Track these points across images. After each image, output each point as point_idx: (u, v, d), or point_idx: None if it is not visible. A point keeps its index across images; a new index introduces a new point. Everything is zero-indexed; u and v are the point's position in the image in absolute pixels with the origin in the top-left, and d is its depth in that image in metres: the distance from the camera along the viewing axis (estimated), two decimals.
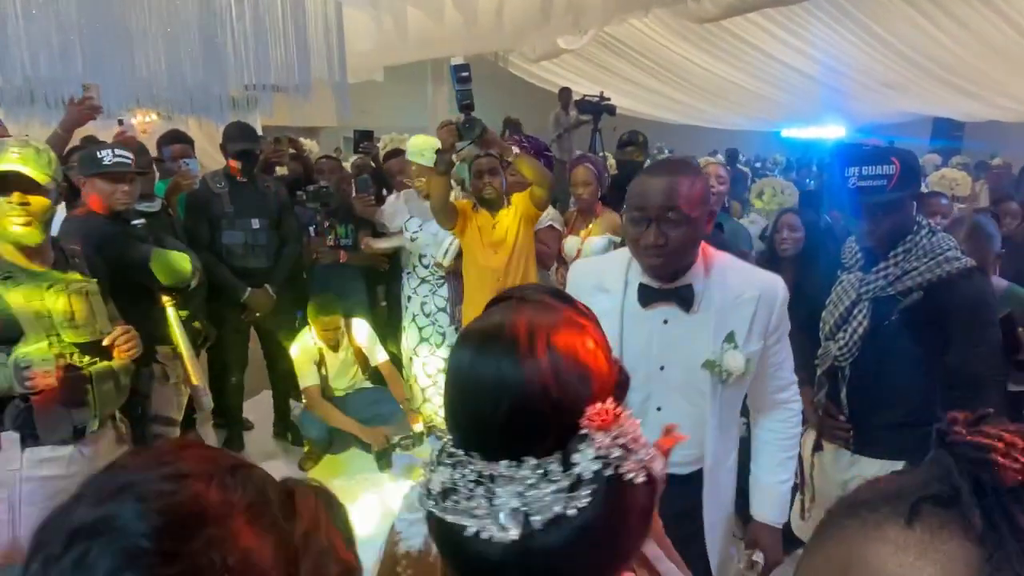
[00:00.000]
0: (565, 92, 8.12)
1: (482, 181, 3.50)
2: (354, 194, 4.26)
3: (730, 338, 1.58)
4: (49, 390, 2.01)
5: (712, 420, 1.63)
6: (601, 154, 6.70)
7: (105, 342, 2.17)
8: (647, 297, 1.62)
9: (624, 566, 0.69)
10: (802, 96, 9.94)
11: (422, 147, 3.81)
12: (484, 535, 0.64)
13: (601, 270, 1.72)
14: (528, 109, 10.12)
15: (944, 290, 1.88)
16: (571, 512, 0.62)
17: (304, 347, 3.98)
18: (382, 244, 4.25)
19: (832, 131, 10.97)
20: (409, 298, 4.10)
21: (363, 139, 5.33)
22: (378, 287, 4.75)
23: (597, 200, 3.82)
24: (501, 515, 0.63)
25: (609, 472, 0.63)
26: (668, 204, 1.49)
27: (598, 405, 0.66)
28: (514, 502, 0.63)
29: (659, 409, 1.65)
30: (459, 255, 3.78)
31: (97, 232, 2.72)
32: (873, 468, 2.07)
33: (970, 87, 8.57)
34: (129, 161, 2.83)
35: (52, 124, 3.13)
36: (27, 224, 2.03)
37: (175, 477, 0.54)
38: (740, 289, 1.59)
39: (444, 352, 4.09)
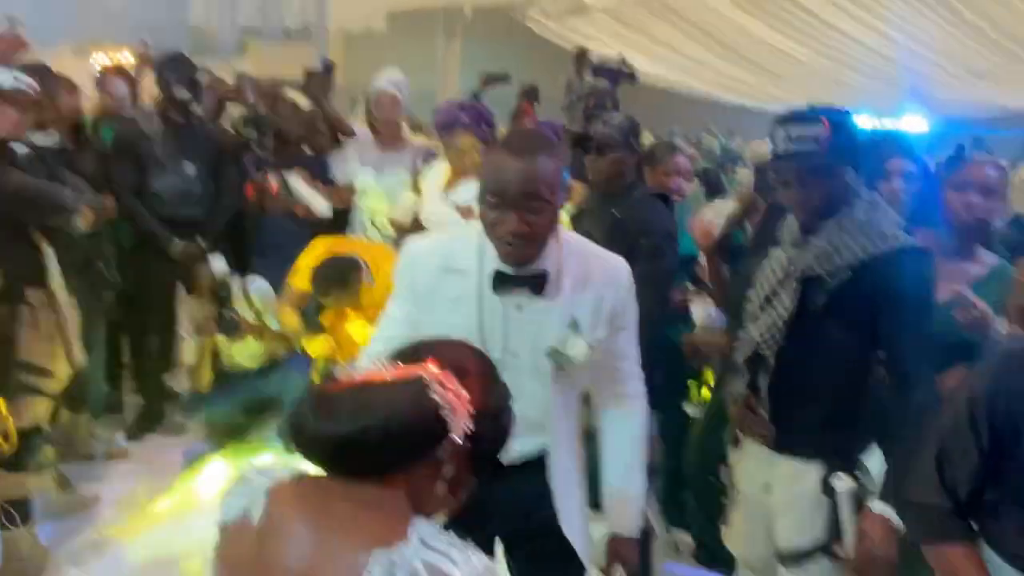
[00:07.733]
0: (581, 55, 8.45)
1: None
2: None
3: (574, 325, 1.85)
4: None
5: (555, 399, 1.93)
6: None
7: None
8: (503, 285, 1.85)
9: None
10: (875, 78, 10.14)
11: None
12: None
13: (449, 250, 1.92)
14: (551, 72, 10.46)
15: (875, 271, 2.00)
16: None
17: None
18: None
19: (911, 123, 11.16)
20: None
21: None
22: None
23: None
24: None
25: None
26: (529, 190, 1.69)
27: None
28: None
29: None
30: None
31: None
32: (787, 471, 2.20)
33: None
34: (28, 88, 3.13)
35: None
36: None
37: None
38: (588, 273, 1.87)
39: None
